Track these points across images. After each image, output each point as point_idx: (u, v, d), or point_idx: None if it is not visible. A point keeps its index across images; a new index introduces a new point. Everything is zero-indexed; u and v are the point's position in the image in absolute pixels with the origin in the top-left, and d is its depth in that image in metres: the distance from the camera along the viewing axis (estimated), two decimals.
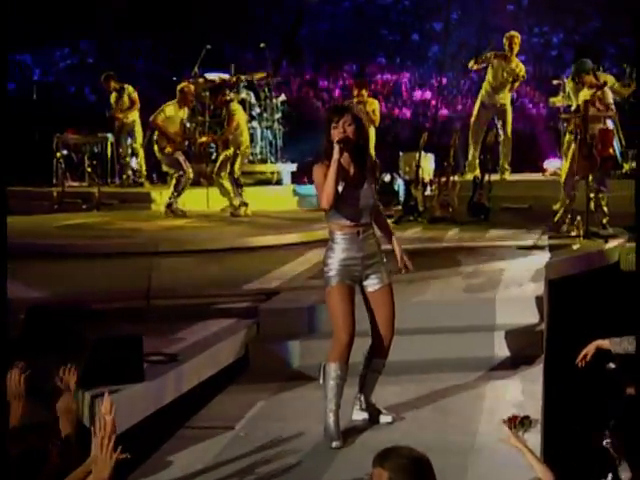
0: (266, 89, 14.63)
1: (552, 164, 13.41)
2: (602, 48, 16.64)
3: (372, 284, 5.37)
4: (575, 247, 9.11)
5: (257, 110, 14.45)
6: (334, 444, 5.20)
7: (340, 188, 5.20)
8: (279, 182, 14.46)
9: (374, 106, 12.53)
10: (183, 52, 17.63)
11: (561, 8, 18.98)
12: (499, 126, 12.84)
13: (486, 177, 11.45)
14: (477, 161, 12.78)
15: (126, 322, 5.82)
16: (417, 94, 21.23)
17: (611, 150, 10.37)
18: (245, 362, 6.56)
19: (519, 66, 12.83)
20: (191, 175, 12.03)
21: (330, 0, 20.61)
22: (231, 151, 11.88)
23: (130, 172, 14.65)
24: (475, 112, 13.01)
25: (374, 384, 5.54)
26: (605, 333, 5.61)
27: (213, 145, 13.63)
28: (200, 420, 5.69)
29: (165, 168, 13.11)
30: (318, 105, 13.76)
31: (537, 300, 6.96)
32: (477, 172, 12.33)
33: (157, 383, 5.48)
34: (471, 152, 12.96)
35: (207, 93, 13.84)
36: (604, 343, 5.30)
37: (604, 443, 3.97)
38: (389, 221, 6.15)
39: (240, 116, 12.04)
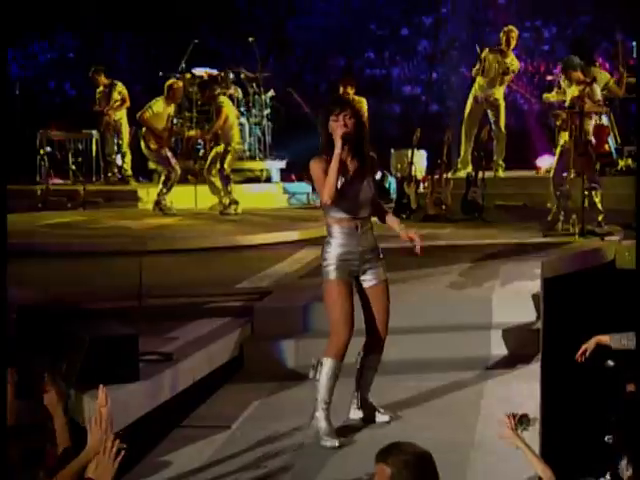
0: (254, 84, 14.67)
1: (545, 161, 13.50)
2: (595, 43, 16.73)
3: (369, 279, 5.45)
4: (571, 245, 9.21)
5: (245, 106, 14.51)
6: (330, 443, 5.26)
7: (339, 182, 5.27)
8: (268, 179, 14.52)
9: (361, 105, 12.54)
10: (166, 47, 17.66)
11: (553, 1, 19.09)
12: (492, 122, 12.91)
13: (480, 174, 11.51)
14: (469, 157, 12.85)
15: (118, 321, 5.87)
16: (406, 89, 21.31)
17: (606, 147, 10.49)
18: (240, 361, 6.64)
19: (514, 61, 12.91)
20: (179, 172, 12.09)
21: None
22: (221, 148, 11.94)
23: (115, 170, 14.69)
24: (468, 107, 13.07)
25: (371, 382, 5.61)
26: (601, 331, 5.73)
27: (201, 142, 13.68)
28: (196, 420, 5.77)
29: (152, 165, 13.15)
30: (301, 104, 13.76)
31: (534, 298, 7.06)
32: (469, 169, 12.40)
33: (152, 382, 5.54)
34: (464, 148, 13.00)
35: (194, 88, 13.91)
36: (604, 339, 5.42)
37: (606, 439, 4.07)
38: None
39: (229, 110, 12.08)
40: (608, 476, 4.47)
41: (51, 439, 4.32)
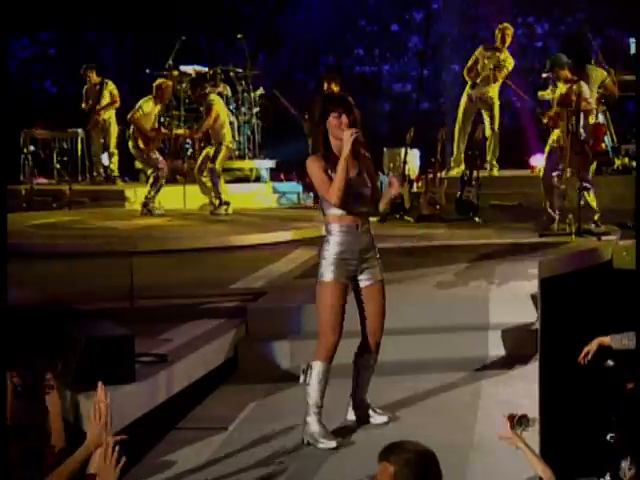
0: (243, 82, 14.73)
1: (539, 160, 13.59)
2: (590, 40, 16.82)
3: (366, 279, 5.49)
4: (568, 245, 9.33)
5: (234, 104, 14.58)
6: (326, 445, 5.32)
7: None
8: (258, 179, 14.60)
9: None
10: (153, 44, 17.69)
11: None
12: (486, 121, 13.00)
13: (474, 173, 11.59)
14: (462, 156, 12.93)
15: (111, 322, 5.94)
16: (397, 87, 21.38)
17: (603, 145, 10.60)
18: (234, 363, 6.71)
19: (508, 58, 12.99)
20: (166, 172, 12.15)
21: None
22: (212, 148, 12.00)
23: (101, 169, 14.74)
24: (461, 106, 13.15)
25: (368, 382, 5.66)
26: (599, 331, 5.83)
27: (189, 141, 13.75)
28: (191, 421, 5.84)
29: (139, 165, 13.21)
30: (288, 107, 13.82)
31: (531, 298, 7.15)
32: (462, 167, 12.50)
33: (148, 384, 5.61)
34: (457, 147, 13.08)
35: (183, 86, 13.97)
36: (606, 340, 5.51)
37: (608, 438, 4.17)
38: (373, 219, 6.27)
39: (219, 108, 12.14)
40: (608, 476, 4.55)
41: (48, 439, 4.42)
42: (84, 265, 8.91)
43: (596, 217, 10.04)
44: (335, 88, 12.40)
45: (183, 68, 14.68)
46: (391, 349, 6.14)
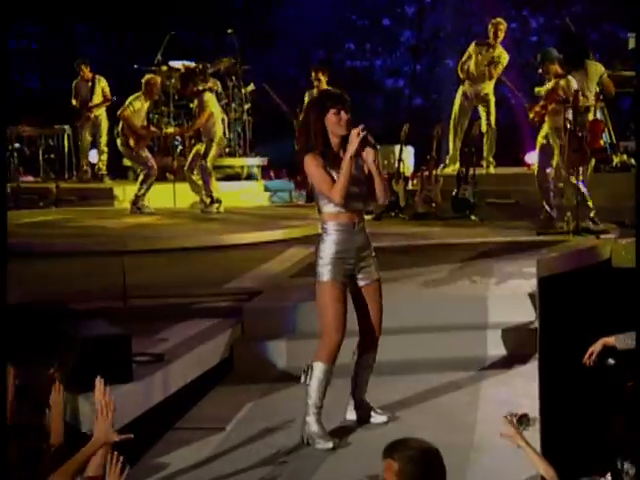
0: (234, 78, 14.76)
1: (533, 158, 13.67)
2: (586, 34, 16.96)
3: (364, 278, 5.55)
4: (566, 244, 9.42)
5: (225, 100, 14.61)
6: (324, 446, 5.37)
7: (335, 176, 5.38)
8: (249, 177, 14.64)
9: None
10: (140, 38, 17.72)
11: None
12: (483, 117, 13.08)
13: (470, 171, 11.65)
14: (458, 154, 13.00)
15: (108, 322, 6.01)
16: (389, 82, 21.46)
17: (601, 142, 10.68)
18: (230, 363, 6.78)
19: (503, 54, 13.07)
20: (156, 170, 12.20)
21: None
22: (203, 146, 12.06)
23: (87, 167, 14.77)
24: (457, 103, 13.19)
25: (367, 381, 5.72)
26: (598, 329, 5.93)
27: (179, 138, 13.80)
28: (188, 422, 5.91)
29: (127, 162, 13.24)
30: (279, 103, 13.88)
31: (530, 297, 7.23)
32: (457, 165, 12.57)
33: (145, 383, 5.68)
34: (452, 144, 13.14)
35: (171, 82, 14.01)
36: (610, 340, 5.59)
37: (610, 435, 4.26)
38: (368, 217, 6.38)
39: (213, 107, 12.20)
40: (609, 476, 4.64)
41: (47, 438, 4.50)
42: (75, 264, 8.97)
43: (592, 214, 10.10)
44: (323, 78, 12.48)
45: (172, 63, 14.70)
46: (390, 349, 6.20)
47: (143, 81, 12.47)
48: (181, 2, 18.45)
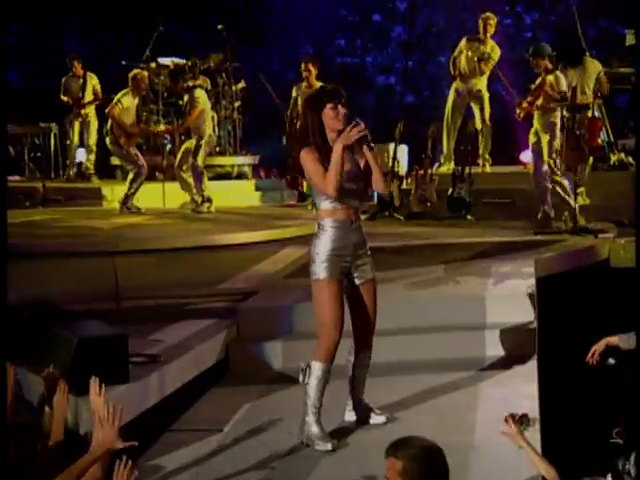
0: (224, 75, 14.78)
1: (529, 156, 13.73)
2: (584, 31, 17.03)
3: (359, 277, 5.60)
4: (564, 243, 9.52)
5: (214, 98, 14.64)
6: (323, 447, 5.43)
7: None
8: (239, 176, 14.68)
9: None
10: (127, 35, 17.73)
11: None
12: (477, 113, 13.14)
13: (466, 170, 11.70)
14: (452, 153, 13.05)
15: (103, 322, 6.07)
16: (380, 79, 21.51)
17: (599, 140, 10.77)
18: (225, 364, 6.85)
19: (494, 49, 13.10)
20: (146, 169, 12.25)
21: None
22: (193, 142, 12.12)
23: (74, 166, 14.80)
24: (450, 101, 13.22)
25: (364, 381, 5.77)
26: (597, 329, 6.03)
27: (168, 136, 13.83)
28: (185, 423, 5.97)
29: (116, 161, 13.27)
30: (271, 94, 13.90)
31: (528, 297, 7.32)
32: (452, 164, 12.63)
33: (142, 384, 5.74)
34: (446, 143, 13.16)
35: (160, 79, 14.05)
36: (613, 340, 5.68)
37: (614, 434, 4.34)
38: (362, 217, 6.44)
39: (204, 104, 12.25)
40: (609, 476, 4.72)
41: (47, 439, 4.58)
42: (67, 265, 9.02)
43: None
44: (313, 70, 12.42)
45: (161, 60, 14.72)
46: (388, 350, 6.31)
47: (130, 76, 12.49)
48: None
